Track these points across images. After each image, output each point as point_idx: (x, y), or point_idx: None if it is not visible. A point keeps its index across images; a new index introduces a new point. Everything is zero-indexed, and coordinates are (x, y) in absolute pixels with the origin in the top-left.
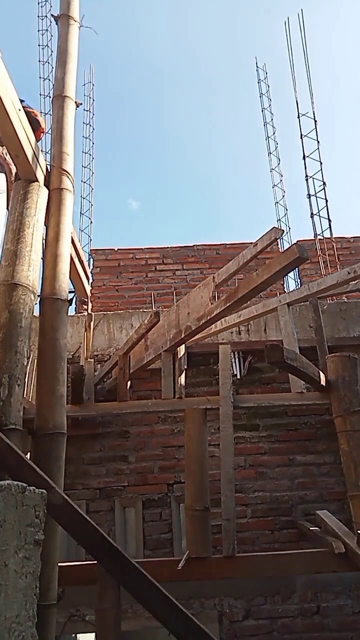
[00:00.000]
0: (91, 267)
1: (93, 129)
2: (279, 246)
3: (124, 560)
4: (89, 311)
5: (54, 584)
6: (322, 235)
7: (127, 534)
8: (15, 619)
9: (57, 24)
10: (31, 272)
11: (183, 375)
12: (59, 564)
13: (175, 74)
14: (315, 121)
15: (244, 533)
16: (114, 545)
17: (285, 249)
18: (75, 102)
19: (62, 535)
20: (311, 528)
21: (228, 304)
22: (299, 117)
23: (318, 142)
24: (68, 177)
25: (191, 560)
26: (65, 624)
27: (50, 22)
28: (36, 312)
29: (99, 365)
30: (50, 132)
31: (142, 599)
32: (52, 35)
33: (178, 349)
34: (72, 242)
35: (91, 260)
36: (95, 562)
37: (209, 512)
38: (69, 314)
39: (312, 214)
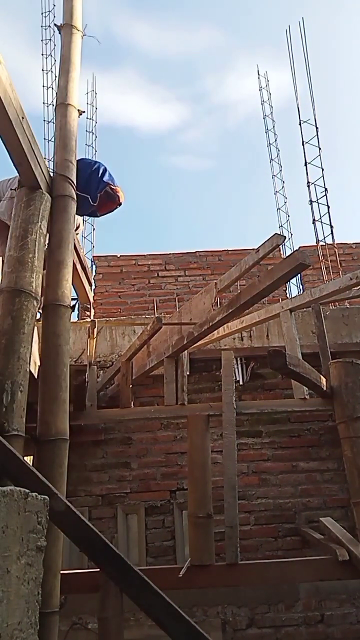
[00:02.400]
0: (94, 273)
1: (96, 137)
2: (281, 252)
3: (127, 568)
4: (92, 317)
5: (56, 591)
6: (324, 242)
7: (129, 541)
8: (18, 626)
9: (60, 33)
10: (34, 279)
11: (185, 382)
12: (62, 572)
13: None
14: (317, 128)
15: (247, 540)
16: (116, 553)
17: (287, 255)
18: (78, 110)
19: (64, 542)
20: (315, 535)
21: (230, 310)
22: (300, 124)
23: (320, 148)
24: (71, 184)
25: (194, 567)
26: (68, 632)
27: (54, 31)
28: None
29: (102, 371)
30: (53, 139)
31: (145, 607)
32: (55, 45)
33: (180, 355)
34: (75, 248)
35: (94, 267)
36: (98, 569)
37: (211, 519)
38: (71, 321)
39: (314, 220)
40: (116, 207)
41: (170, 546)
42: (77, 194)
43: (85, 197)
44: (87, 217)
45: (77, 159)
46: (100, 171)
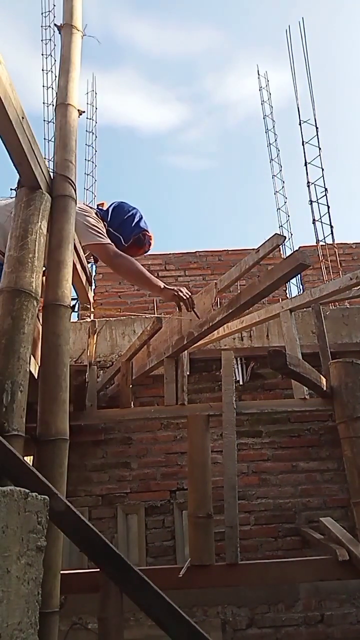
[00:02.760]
0: (94, 273)
1: (96, 137)
2: (281, 252)
3: (127, 568)
4: (92, 318)
5: (56, 592)
6: (324, 242)
7: (129, 541)
8: (18, 626)
9: (60, 33)
10: (34, 279)
11: (185, 382)
12: (62, 572)
13: None
14: (317, 128)
15: (247, 540)
16: (116, 553)
17: (287, 255)
18: (78, 110)
19: (64, 542)
20: (315, 535)
21: (230, 310)
22: (300, 124)
23: (320, 148)
24: (71, 184)
25: (194, 567)
26: (68, 632)
27: (54, 31)
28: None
29: (102, 371)
30: (53, 139)
31: (145, 607)
32: (55, 45)
33: (180, 355)
34: (75, 248)
35: (94, 267)
36: (98, 569)
37: (211, 519)
38: (71, 321)
39: (314, 220)
40: (141, 254)
41: (170, 546)
42: (110, 231)
43: (117, 237)
44: None
45: (116, 202)
46: (137, 218)
